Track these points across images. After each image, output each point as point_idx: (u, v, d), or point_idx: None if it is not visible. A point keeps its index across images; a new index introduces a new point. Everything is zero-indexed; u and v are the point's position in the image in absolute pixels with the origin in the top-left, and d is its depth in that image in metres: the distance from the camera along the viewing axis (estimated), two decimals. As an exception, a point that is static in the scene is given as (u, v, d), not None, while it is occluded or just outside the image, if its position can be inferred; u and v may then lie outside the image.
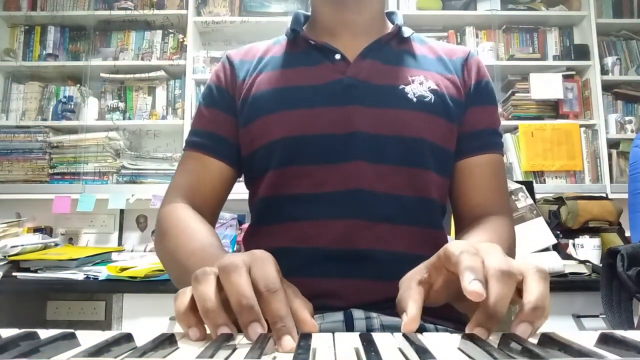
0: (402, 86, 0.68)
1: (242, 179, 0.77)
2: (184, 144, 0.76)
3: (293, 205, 0.66)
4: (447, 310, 0.48)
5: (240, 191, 0.77)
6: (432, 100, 0.68)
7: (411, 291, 0.43)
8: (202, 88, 2.18)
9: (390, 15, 0.78)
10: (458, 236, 0.69)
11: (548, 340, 0.33)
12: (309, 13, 0.78)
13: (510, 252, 0.66)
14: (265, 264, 0.40)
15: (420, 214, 0.66)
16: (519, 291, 0.38)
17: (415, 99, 0.67)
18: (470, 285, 0.36)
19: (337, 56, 0.69)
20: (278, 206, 0.67)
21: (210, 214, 0.71)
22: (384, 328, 0.57)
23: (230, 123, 0.72)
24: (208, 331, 0.38)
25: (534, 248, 1.59)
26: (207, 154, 0.71)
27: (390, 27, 0.75)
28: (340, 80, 0.68)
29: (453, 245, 0.41)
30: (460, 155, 0.71)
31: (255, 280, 0.38)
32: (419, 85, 0.68)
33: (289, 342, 0.35)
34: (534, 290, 0.37)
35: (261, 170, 0.69)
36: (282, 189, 0.67)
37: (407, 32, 0.74)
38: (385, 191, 0.64)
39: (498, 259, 0.38)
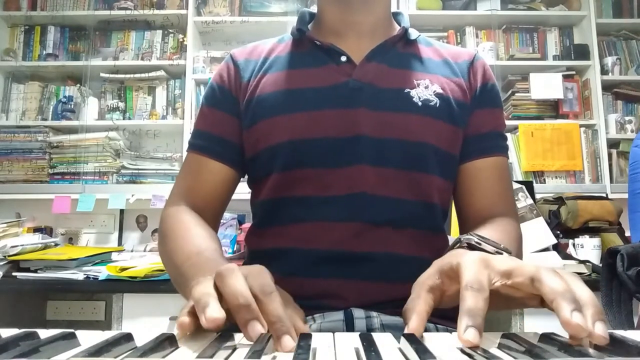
0: (407, 90, 0.67)
1: (243, 178, 0.77)
2: (184, 144, 0.76)
3: (296, 207, 0.66)
4: (448, 310, 0.48)
5: (240, 191, 0.76)
6: (437, 104, 0.67)
7: (418, 301, 0.42)
8: (202, 88, 2.19)
9: (396, 16, 0.77)
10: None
11: (548, 340, 0.33)
12: (314, 11, 0.77)
13: (518, 253, 0.66)
14: (260, 274, 0.41)
15: (421, 217, 0.66)
16: (537, 297, 0.38)
17: (420, 103, 0.67)
18: (465, 335, 0.34)
19: (343, 58, 0.69)
20: (281, 208, 0.67)
21: (212, 216, 0.71)
22: (384, 327, 0.57)
23: (233, 124, 0.72)
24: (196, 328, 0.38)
25: (534, 248, 1.60)
26: (208, 156, 0.71)
27: (396, 28, 0.75)
28: (346, 82, 0.67)
29: (467, 266, 0.40)
30: (466, 158, 0.71)
31: (251, 286, 0.39)
32: (425, 89, 0.68)
33: (289, 341, 0.35)
34: (552, 286, 0.36)
35: (265, 172, 0.69)
36: (286, 191, 0.67)
37: (413, 34, 0.73)
38: (387, 195, 0.64)
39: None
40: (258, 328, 0.36)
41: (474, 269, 0.39)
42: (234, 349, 0.34)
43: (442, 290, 0.43)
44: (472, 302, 0.37)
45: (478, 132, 0.71)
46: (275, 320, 0.37)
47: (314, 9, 0.78)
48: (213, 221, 0.71)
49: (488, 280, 0.38)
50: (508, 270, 0.39)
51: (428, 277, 0.44)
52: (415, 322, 0.40)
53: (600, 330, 0.33)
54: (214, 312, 0.36)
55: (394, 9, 0.77)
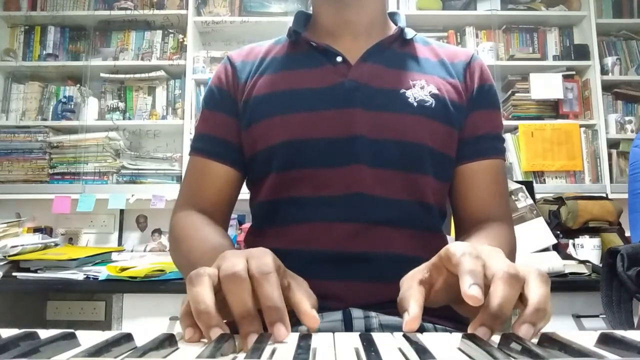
0: (402, 90, 0.67)
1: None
2: (184, 144, 0.77)
3: (294, 208, 0.66)
4: (447, 310, 0.48)
5: (240, 191, 0.76)
6: (433, 105, 0.67)
7: (412, 290, 0.43)
8: (202, 88, 2.19)
9: (392, 16, 0.77)
10: (458, 240, 0.69)
11: (548, 340, 0.33)
12: (311, 12, 0.78)
13: (511, 257, 0.66)
14: (261, 256, 0.41)
15: (418, 217, 0.67)
16: (520, 295, 0.38)
17: (415, 104, 0.67)
18: (470, 290, 0.36)
19: (339, 59, 0.69)
20: (279, 209, 0.67)
21: (220, 217, 0.72)
22: (383, 327, 0.57)
23: (234, 125, 0.72)
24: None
25: (534, 248, 1.59)
26: (211, 158, 0.72)
27: (393, 28, 0.74)
28: (342, 83, 0.67)
29: (455, 246, 0.41)
30: (461, 160, 0.71)
31: (251, 269, 0.39)
32: (420, 89, 0.68)
33: (282, 331, 0.35)
34: (536, 293, 0.37)
35: (263, 173, 0.69)
36: (284, 192, 0.67)
37: (409, 33, 0.73)
38: (384, 195, 0.64)
39: (503, 262, 0.39)
40: None
41: (464, 245, 0.41)
42: (235, 349, 0.34)
43: (430, 284, 0.44)
44: (472, 264, 0.38)
45: (474, 134, 0.71)
46: (269, 305, 0.37)
47: (311, 10, 0.78)
48: (222, 223, 0.71)
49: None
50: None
51: (417, 272, 0.46)
52: (415, 308, 0.40)
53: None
54: (216, 335, 0.36)
55: (393, 8, 0.77)
